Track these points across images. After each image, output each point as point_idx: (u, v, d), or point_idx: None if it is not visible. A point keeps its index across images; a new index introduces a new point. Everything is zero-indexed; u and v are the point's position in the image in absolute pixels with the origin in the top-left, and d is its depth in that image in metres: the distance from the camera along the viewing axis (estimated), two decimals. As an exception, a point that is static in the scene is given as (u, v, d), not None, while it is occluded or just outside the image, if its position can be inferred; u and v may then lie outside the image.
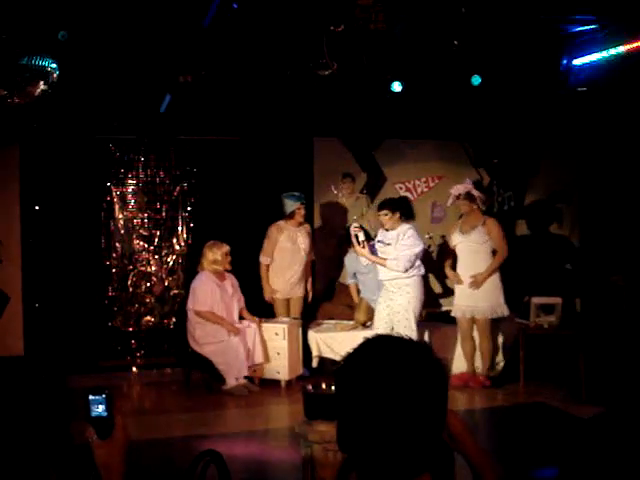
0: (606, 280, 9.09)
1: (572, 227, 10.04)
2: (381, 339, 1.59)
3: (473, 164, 9.75)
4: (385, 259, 7.43)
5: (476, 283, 7.76)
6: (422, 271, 7.51)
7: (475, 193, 7.95)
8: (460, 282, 7.94)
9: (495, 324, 7.98)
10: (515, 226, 9.76)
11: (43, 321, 8.71)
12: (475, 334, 7.96)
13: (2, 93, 5.88)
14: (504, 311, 7.83)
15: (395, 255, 7.37)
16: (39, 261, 8.75)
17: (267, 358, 7.98)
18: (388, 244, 7.48)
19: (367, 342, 1.57)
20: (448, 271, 8.15)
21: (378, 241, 7.64)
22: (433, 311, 8.98)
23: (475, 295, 7.78)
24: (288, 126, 9.04)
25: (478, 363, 8.07)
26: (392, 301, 7.46)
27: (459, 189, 7.97)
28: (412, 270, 7.39)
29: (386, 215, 7.49)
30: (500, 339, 8.20)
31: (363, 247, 7.44)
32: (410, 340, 1.57)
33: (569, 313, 8.05)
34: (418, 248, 7.40)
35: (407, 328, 7.21)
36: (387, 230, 7.56)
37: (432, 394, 1.48)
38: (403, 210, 7.58)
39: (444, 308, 9.08)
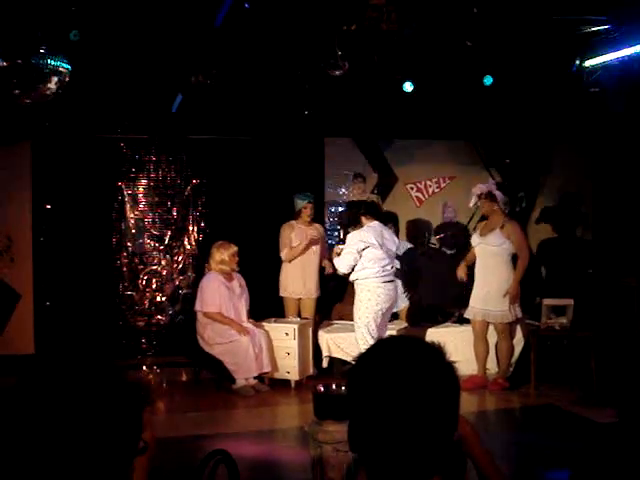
0: (618, 281, 9.05)
1: (585, 228, 10.00)
2: (393, 340, 1.58)
3: (485, 164, 9.72)
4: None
5: (511, 297, 7.68)
6: (375, 273, 7.34)
7: (497, 194, 7.88)
8: (462, 278, 7.90)
9: (512, 324, 7.92)
10: (527, 227, 9.72)
11: (54, 320, 8.74)
12: (492, 336, 7.92)
13: (14, 92, 5.89)
14: (517, 315, 7.76)
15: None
16: (50, 260, 8.78)
17: (275, 366, 7.97)
18: None
19: (379, 343, 1.57)
20: (460, 268, 8.04)
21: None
22: (452, 312, 8.95)
23: (488, 300, 7.72)
24: (299, 126, 9.04)
25: (489, 365, 8.04)
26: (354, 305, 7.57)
27: (481, 188, 7.88)
28: (364, 272, 7.34)
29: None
30: (511, 341, 8.16)
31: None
32: (422, 342, 1.56)
33: (581, 314, 8.00)
34: (354, 247, 7.30)
35: (356, 332, 7.38)
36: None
37: (443, 396, 1.46)
38: (367, 209, 7.61)
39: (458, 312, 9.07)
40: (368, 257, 7.32)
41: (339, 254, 7.46)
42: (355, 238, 7.36)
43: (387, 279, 7.44)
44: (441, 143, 9.65)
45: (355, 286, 7.48)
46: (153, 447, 1.86)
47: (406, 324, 8.52)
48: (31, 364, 1.44)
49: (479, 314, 7.82)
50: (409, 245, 9.06)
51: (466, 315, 7.99)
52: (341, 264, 7.41)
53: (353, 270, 7.38)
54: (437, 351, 1.53)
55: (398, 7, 6.22)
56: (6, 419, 1.37)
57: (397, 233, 8.62)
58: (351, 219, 7.67)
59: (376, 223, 7.52)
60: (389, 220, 8.55)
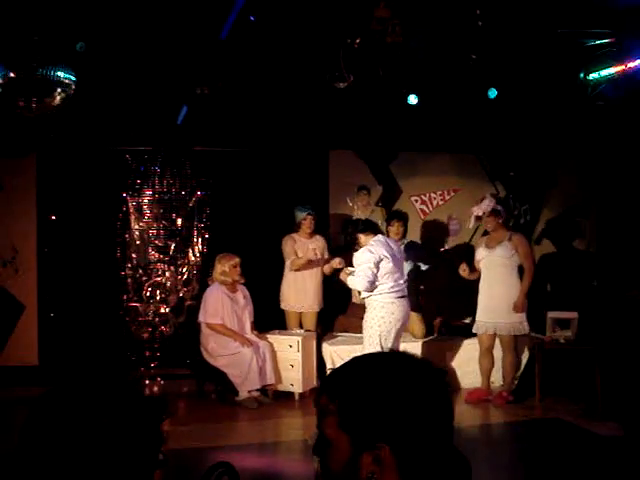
0: (623, 295, 9.02)
1: (589, 241, 9.99)
2: (373, 354, 1.59)
3: (489, 177, 9.72)
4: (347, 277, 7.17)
5: (517, 309, 7.65)
6: (389, 289, 6.95)
7: (499, 207, 7.91)
8: (468, 274, 7.87)
9: (516, 337, 7.91)
10: (531, 240, 9.71)
11: (58, 331, 8.74)
12: (497, 350, 7.89)
13: (20, 104, 5.91)
14: (526, 328, 7.75)
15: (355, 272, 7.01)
16: (55, 271, 8.79)
17: (279, 379, 7.95)
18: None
19: (357, 357, 1.57)
20: (463, 268, 8.02)
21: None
22: (457, 324, 8.93)
23: (498, 312, 7.70)
24: (304, 138, 9.05)
25: (493, 378, 8.01)
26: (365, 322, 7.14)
27: (482, 208, 7.89)
28: (377, 287, 6.93)
29: (360, 238, 7.22)
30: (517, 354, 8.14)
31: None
32: (398, 353, 1.56)
33: (585, 328, 7.98)
34: (371, 260, 6.85)
35: (367, 351, 7.00)
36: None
37: (430, 406, 1.45)
38: (365, 227, 7.28)
39: (467, 321, 9.05)
40: (382, 271, 6.90)
41: (349, 274, 7.12)
42: (365, 254, 6.93)
43: (400, 294, 7.02)
44: (446, 156, 9.65)
45: (366, 302, 7.08)
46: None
47: (414, 338, 8.47)
48: (48, 391, 1.44)
49: (489, 328, 7.78)
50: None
51: (474, 330, 7.95)
52: (359, 282, 6.91)
53: (373, 286, 6.94)
54: (422, 362, 1.52)
55: (403, 20, 6.24)
56: (29, 435, 1.37)
57: (405, 233, 8.58)
58: (352, 236, 7.39)
59: (380, 236, 7.18)
60: (399, 219, 8.46)
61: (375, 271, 6.86)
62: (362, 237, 7.12)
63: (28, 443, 1.36)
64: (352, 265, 7.19)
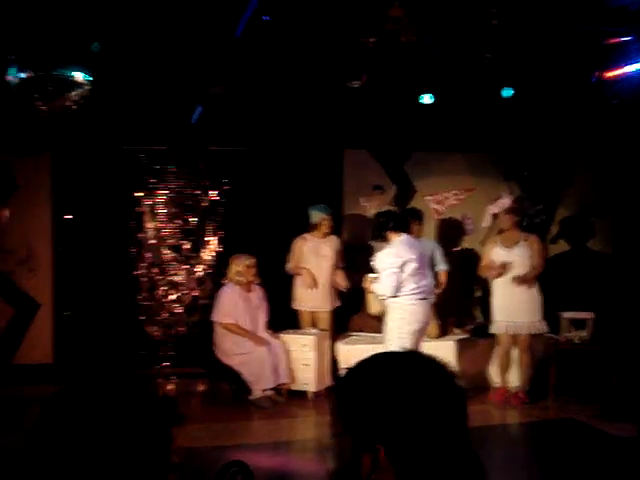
0: (639, 295, 8.97)
1: (605, 241, 9.93)
2: (390, 353, 1.58)
3: (504, 177, 9.68)
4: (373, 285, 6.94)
5: (523, 281, 7.65)
6: (409, 290, 6.73)
7: (516, 206, 7.91)
8: (497, 269, 7.82)
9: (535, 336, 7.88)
10: (546, 240, 9.66)
11: (73, 329, 8.78)
12: (513, 350, 7.87)
13: (35, 104, 5.94)
14: (543, 327, 7.72)
15: (379, 277, 6.79)
16: (69, 270, 8.83)
17: (292, 378, 7.96)
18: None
19: (373, 356, 1.56)
20: (486, 267, 8.00)
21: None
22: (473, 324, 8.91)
23: (516, 311, 7.68)
24: (318, 138, 9.05)
25: (510, 378, 7.99)
26: (385, 325, 6.98)
27: (499, 206, 7.87)
28: (402, 291, 6.72)
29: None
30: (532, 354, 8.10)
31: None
32: (417, 353, 1.55)
33: (601, 328, 7.94)
34: (395, 263, 6.65)
35: None
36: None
37: (432, 408, 1.43)
38: (395, 221, 6.96)
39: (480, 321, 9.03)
40: (405, 273, 6.69)
41: (371, 281, 6.93)
42: (389, 256, 6.71)
43: (422, 296, 6.81)
44: (460, 155, 9.62)
45: (387, 304, 6.86)
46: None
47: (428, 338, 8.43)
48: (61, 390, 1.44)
49: (506, 327, 7.76)
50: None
51: (493, 330, 7.91)
52: (385, 288, 6.69)
53: (399, 290, 6.71)
54: (435, 363, 1.51)
55: (417, 19, 6.23)
56: (38, 435, 1.38)
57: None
58: (380, 231, 6.97)
59: (405, 236, 6.90)
60: (417, 218, 8.25)
61: (400, 275, 6.66)
62: (392, 235, 6.86)
63: (37, 443, 1.37)
64: (362, 264, 7.10)
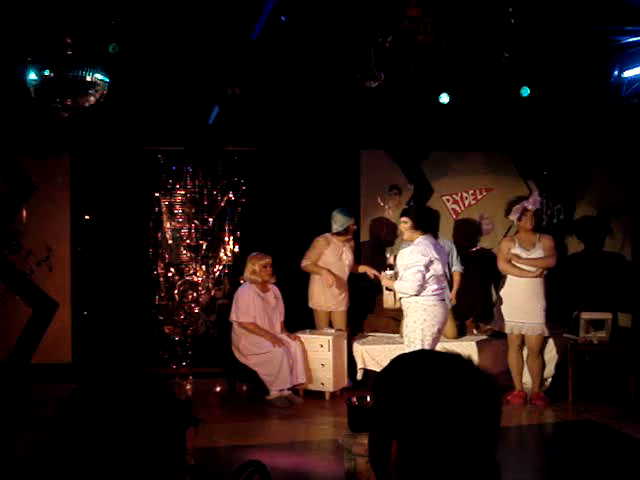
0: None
1: (623, 241, 9.86)
2: (421, 352, 1.58)
3: (522, 176, 9.64)
4: (393, 282, 6.84)
5: (531, 263, 7.69)
6: (432, 291, 6.65)
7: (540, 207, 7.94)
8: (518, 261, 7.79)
9: (544, 340, 7.86)
10: (565, 239, 9.62)
11: (91, 329, 8.83)
12: (524, 351, 7.85)
13: (53, 105, 5.97)
14: (545, 330, 7.72)
15: (404, 277, 6.67)
16: (88, 270, 8.88)
17: (309, 378, 7.97)
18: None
19: (406, 355, 1.56)
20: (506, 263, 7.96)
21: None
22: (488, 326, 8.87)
23: (525, 312, 7.66)
24: (335, 138, 9.05)
25: (525, 379, 7.96)
26: (405, 326, 6.89)
27: (536, 204, 7.86)
28: (425, 291, 6.63)
29: (405, 223, 6.82)
30: (548, 355, 8.07)
31: (387, 270, 7.07)
32: (457, 355, 1.53)
33: (620, 329, 7.89)
34: (422, 263, 6.56)
35: None
36: (403, 241, 7.02)
37: (475, 410, 1.43)
38: (424, 221, 6.90)
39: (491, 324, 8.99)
40: (430, 273, 6.63)
41: (390, 278, 6.91)
42: (415, 255, 6.61)
43: (442, 297, 6.77)
44: (477, 155, 9.59)
45: (406, 304, 6.76)
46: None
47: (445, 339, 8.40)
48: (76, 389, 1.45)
49: (515, 327, 7.75)
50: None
51: (505, 330, 7.89)
52: (409, 287, 6.58)
53: (422, 289, 6.61)
54: (468, 362, 1.50)
55: (435, 18, 6.21)
56: (57, 437, 1.38)
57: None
58: (423, 225, 6.83)
59: (428, 236, 6.83)
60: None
61: (425, 274, 6.58)
62: (417, 234, 6.77)
63: (51, 444, 1.37)
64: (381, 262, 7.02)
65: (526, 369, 7.92)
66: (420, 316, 6.65)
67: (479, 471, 1.42)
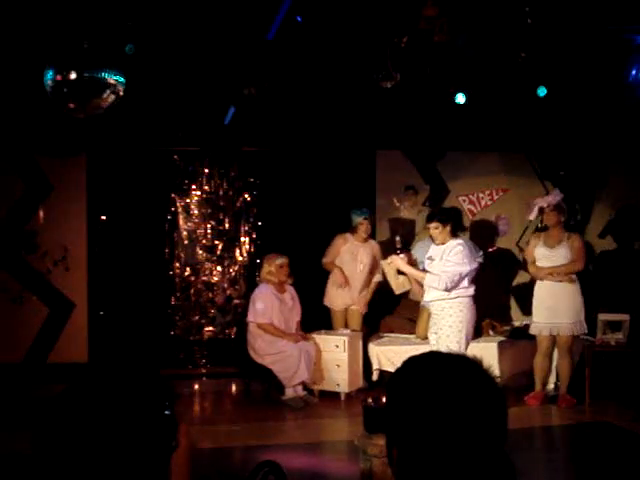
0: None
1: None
2: (430, 353, 1.57)
3: (539, 177, 9.60)
4: (425, 272, 6.69)
5: (557, 272, 7.58)
6: (470, 292, 6.61)
7: (564, 205, 7.82)
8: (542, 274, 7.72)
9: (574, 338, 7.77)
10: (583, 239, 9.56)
11: (107, 329, 8.86)
12: (554, 352, 7.79)
13: (70, 105, 6.00)
14: (585, 328, 7.62)
15: (438, 270, 6.56)
16: (104, 270, 8.92)
17: (323, 379, 7.97)
18: (434, 260, 6.73)
19: (418, 356, 1.55)
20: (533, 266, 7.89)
21: (428, 258, 6.83)
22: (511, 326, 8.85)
23: (557, 312, 7.57)
24: (351, 138, 9.04)
25: (549, 380, 7.90)
26: (438, 327, 6.68)
27: (548, 200, 7.78)
28: (457, 291, 6.55)
29: (436, 228, 6.71)
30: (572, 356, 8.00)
31: (398, 253, 6.82)
32: (459, 355, 1.53)
33: (638, 330, 7.83)
34: (465, 267, 6.50)
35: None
36: (436, 245, 6.84)
37: (484, 410, 1.42)
38: (454, 223, 6.83)
39: (517, 323, 8.96)
40: (469, 274, 6.59)
41: (401, 261, 6.70)
42: (460, 255, 6.51)
43: (472, 297, 6.70)
44: (494, 155, 9.56)
45: (440, 306, 6.62)
46: (188, 442, 1.84)
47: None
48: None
49: (546, 329, 7.66)
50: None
51: (532, 331, 7.82)
52: (441, 282, 6.47)
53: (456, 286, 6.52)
54: (474, 363, 1.49)
55: (451, 18, 6.19)
56: (49, 425, 1.40)
57: None
58: (457, 227, 6.86)
59: (464, 239, 6.88)
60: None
61: (464, 276, 6.52)
62: (448, 237, 6.67)
63: (39, 441, 1.39)
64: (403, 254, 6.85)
65: (554, 372, 7.86)
66: (462, 317, 6.56)
67: (484, 475, 1.41)
